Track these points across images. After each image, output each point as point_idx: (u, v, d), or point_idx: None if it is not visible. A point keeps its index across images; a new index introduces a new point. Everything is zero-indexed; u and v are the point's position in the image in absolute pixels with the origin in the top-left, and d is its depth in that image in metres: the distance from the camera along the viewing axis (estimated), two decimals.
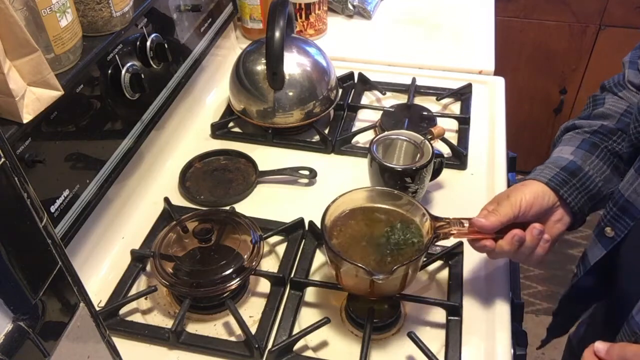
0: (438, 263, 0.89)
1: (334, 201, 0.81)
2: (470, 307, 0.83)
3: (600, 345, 0.65)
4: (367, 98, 1.25)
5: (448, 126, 1.13)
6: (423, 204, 0.81)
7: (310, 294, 0.86)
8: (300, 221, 0.93)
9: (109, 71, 0.86)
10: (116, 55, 0.87)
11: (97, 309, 0.76)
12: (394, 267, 0.72)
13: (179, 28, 1.07)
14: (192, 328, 0.82)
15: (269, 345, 0.78)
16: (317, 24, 1.39)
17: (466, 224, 0.77)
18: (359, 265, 0.72)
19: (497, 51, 1.35)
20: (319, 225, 0.91)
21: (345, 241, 0.79)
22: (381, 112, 1.16)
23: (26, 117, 0.65)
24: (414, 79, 1.23)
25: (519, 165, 1.20)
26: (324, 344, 0.80)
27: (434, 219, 0.78)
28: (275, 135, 1.12)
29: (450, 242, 0.90)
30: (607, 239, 0.77)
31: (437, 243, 0.90)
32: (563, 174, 0.78)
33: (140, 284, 0.89)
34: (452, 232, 0.78)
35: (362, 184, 1.01)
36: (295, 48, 1.11)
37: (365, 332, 0.77)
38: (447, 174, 1.01)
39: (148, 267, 0.90)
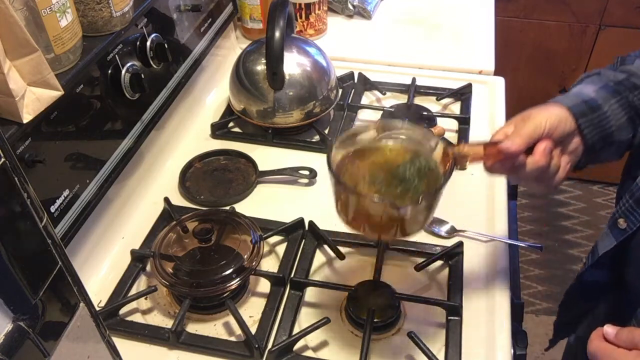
0: (438, 263, 0.89)
1: (334, 145, 0.73)
2: (470, 307, 0.83)
3: (609, 329, 0.64)
4: (367, 98, 1.25)
5: (448, 126, 1.13)
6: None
7: (310, 294, 0.86)
8: (300, 221, 0.93)
9: (109, 71, 0.86)
10: (116, 55, 0.87)
11: (97, 309, 0.76)
12: (420, 197, 0.66)
13: (179, 28, 1.07)
14: (192, 328, 0.82)
15: (269, 345, 0.78)
16: (317, 24, 1.39)
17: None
18: (385, 200, 0.66)
19: (497, 51, 1.35)
20: (319, 225, 0.91)
21: (358, 181, 0.72)
22: (381, 112, 1.16)
23: (26, 117, 0.65)
24: (414, 79, 1.23)
25: None
26: (324, 344, 0.80)
27: (449, 144, 0.73)
28: (275, 135, 1.12)
29: (450, 242, 0.91)
30: (619, 230, 0.76)
31: (437, 243, 0.91)
32: (584, 106, 0.75)
33: (140, 284, 0.89)
34: (471, 160, 0.72)
35: None
36: (295, 48, 1.11)
37: (365, 332, 0.77)
38: None
39: (148, 267, 0.90)
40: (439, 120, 1.13)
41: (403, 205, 0.67)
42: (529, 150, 0.70)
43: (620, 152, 0.79)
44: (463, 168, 0.72)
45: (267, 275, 0.86)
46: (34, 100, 0.65)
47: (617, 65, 0.84)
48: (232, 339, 0.81)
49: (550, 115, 0.73)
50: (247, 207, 0.99)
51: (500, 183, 1.03)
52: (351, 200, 0.70)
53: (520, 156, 0.70)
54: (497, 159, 0.71)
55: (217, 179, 1.05)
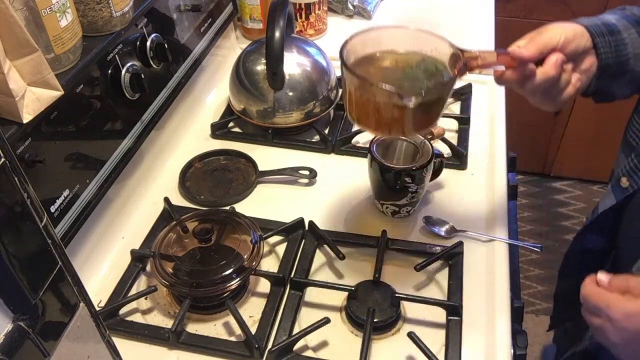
0: (438, 263, 0.89)
1: (349, 41, 0.75)
2: (470, 307, 0.83)
3: (602, 276, 0.65)
4: None
5: (448, 126, 1.13)
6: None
7: (310, 294, 0.86)
8: (300, 221, 0.93)
9: (109, 71, 0.86)
10: (116, 55, 0.87)
11: (97, 309, 0.76)
12: (424, 89, 0.68)
13: (179, 28, 1.07)
14: (192, 328, 0.82)
15: (269, 345, 0.78)
16: (317, 24, 1.39)
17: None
18: (390, 88, 0.67)
19: None
20: (319, 225, 0.91)
21: (367, 74, 0.73)
22: None
23: (26, 117, 0.65)
24: None
25: (519, 165, 1.20)
26: (324, 344, 0.80)
27: (461, 50, 0.74)
28: (275, 135, 1.12)
29: (450, 242, 0.91)
30: (621, 189, 0.77)
31: (437, 243, 0.91)
32: (603, 27, 0.75)
33: (140, 284, 0.89)
34: (484, 64, 0.73)
35: (362, 184, 1.01)
36: (295, 48, 1.11)
37: (365, 332, 0.77)
38: (447, 174, 1.01)
39: (148, 267, 0.90)
40: (439, 120, 1.12)
41: (408, 95, 0.67)
42: (541, 62, 0.70)
43: (632, 87, 0.78)
44: (472, 71, 0.73)
45: (267, 275, 0.86)
46: (34, 100, 0.65)
47: None
48: (232, 339, 0.81)
49: (566, 29, 0.72)
50: (247, 207, 0.99)
51: (500, 183, 1.03)
52: (361, 92, 0.71)
53: (530, 65, 0.70)
54: (509, 65, 0.71)
55: (217, 179, 1.05)
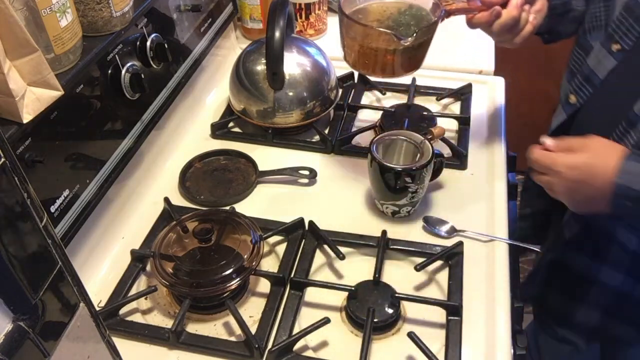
0: (438, 263, 0.89)
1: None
2: (470, 307, 0.83)
3: (547, 140, 0.81)
4: (367, 98, 1.25)
5: (448, 126, 1.13)
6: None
7: (310, 294, 0.86)
8: (300, 221, 0.93)
9: (109, 71, 0.86)
10: (116, 55, 0.87)
11: (97, 309, 0.76)
12: (416, 31, 0.83)
13: (179, 28, 1.07)
14: (192, 328, 0.82)
15: (269, 345, 0.78)
16: (317, 24, 1.39)
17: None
18: (387, 30, 0.82)
19: (497, 51, 1.35)
20: (319, 224, 0.91)
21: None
22: (381, 112, 1.16)
23: (26, 117, 0.65)
24: (414, 79, 1.23)
25: (519, 165, 1.20)
26: (324, 344, 0.80)
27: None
28: (275, 135, 1.12)
29: (450, 242, 0.91)
30: (570, 105, 0.94)
31: (437, 243, 0.91)
32: None
33: (140, 284, 0.89)
34: (455, 7, 0.88)
35: (362, 184, 1.01)
36: (295, 48, 1.11)
37: (365, 332, 0.77)
38: (447, 174, 1.01)
39: (148, 267, 0.90)
40: (439, 120, 1.13)
41: (404, 36, 0.83)
42: (504, 5, 0.86)
43: (574, 25, 0.97)
44: (449, 16, 0.90)
45: (267, 275, 0.86)
46: (34, 100, 0.65)
47: None
48: (232, 339, 0.81)
49: None
50: (247, 207, 0.99)
51: (500, 183, 1.03)
52: (361, 37, 0.86)
53: (497, 7, 0.86)
54: (479, 10, 0.87)
55: (217, 179, 1.05)
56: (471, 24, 0.89)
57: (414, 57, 0.88)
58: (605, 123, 0.85)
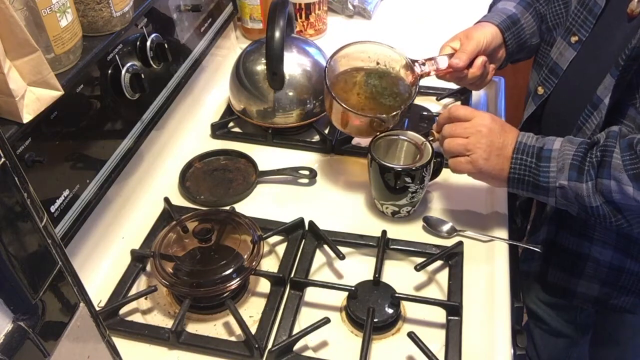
0: (438, 263, 0.89)
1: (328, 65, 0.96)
2: (470, 307, 0.83)
3: (434, 126, 0.91)
4: None
5: None
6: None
7: (310, 294, 0.86)
8: (300, 221, 0.93)
9: (109, 71, 0.86)
10: (116, 55, 0.87)
11: (97, 309, 0.76)
12: (395, 112, 0.92)
13: (179, 28, 1.07)
14: (192, 328, 0.82)
15: (269, 345, 0.78)
16: (317, 24, 1.39)
17: (440, 64, 0.96)
18: (376, 116, 0.92)
19: None
20: (319, 224, 0.91)
21: (343, 96, 0.95)
22: None
23: (26, 117, 0.65)
24: None
25: None
26: (324, 344, 0.80)
27: (411, 60, 0.97)
28: (275, 135, 1.12)
29: (450, 242, 0.91)
30: (538, 96, 0.99)
31: (437, 243, 0.91)
32: (508, 21, 1.00)
33: (140, 284, 0.89)
34: (429, 73, 0.97)
35: (362, 184, 1.01)
36: (295, 48, 1.11)
37: (365, 332, 0.77)
38: (447, 174, 1.01)
39: (148, 267, 0.90)
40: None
41: (386, 120, 0.93)
42: (470, 65, 0.96)
43: (531, 54, 1.07)
44: (422, 78, 0.98)
45: (267, 275, 0.86)
46: (34, 100, 0.65)
47: None
48: (232, 339, 0.81)
49: (487, 34, 0.97)
50: (247, 207, 0.99)
51: None
52: (347, 114, 0.94)
53: (465, 69, 0.96)
54: (447, 72, 0.97)
55: (217, 179, 1.05)
56: (440, 78, 1.00)
57: (399, 118, 0.95)
58: (571, 109, 0.91)
